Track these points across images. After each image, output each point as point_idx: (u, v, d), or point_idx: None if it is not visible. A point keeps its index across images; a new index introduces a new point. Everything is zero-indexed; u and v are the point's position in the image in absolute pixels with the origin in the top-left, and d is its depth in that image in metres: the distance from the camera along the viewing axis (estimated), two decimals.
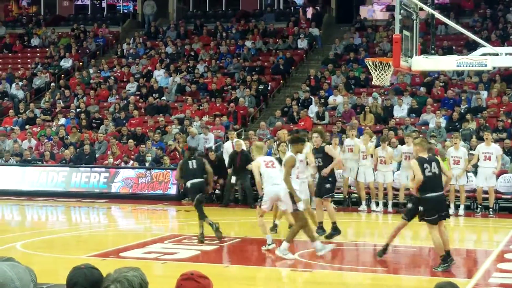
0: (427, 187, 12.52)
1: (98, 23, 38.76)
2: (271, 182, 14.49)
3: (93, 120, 29.43)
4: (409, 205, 13.47)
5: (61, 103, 31.44)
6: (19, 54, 37.95)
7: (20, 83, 33.59)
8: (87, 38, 37.35)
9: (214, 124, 27.46)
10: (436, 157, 13.17)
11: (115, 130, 28.15)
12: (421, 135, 21.27)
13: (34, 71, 34.86)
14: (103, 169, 25.56)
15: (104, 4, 42.88)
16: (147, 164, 25.36)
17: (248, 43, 33.96)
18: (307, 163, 16.23)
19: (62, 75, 34.18)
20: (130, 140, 26.68)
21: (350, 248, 16.15)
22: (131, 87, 32.06)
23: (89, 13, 42.17)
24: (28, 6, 43.57)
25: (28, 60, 36.79)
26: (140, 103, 30.70)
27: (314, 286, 11.94)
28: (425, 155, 12.64)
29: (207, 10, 40.18)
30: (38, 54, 37.19)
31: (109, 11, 42.40)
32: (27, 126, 29.50)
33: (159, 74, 32.48)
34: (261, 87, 30.62)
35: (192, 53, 34.20)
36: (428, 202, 12.56)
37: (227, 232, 17.96)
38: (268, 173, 14.55)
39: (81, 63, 35.58)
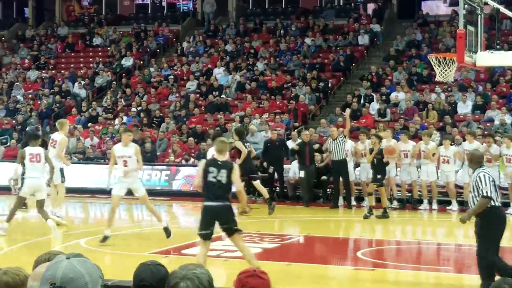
0: (205, 193, 10.98)
1: (159, 22, 39.00)
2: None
3: (154, 118, 29.60)
4: None
5: (123, 101, 31.72)
6: (81, 54, 38.36)
7: (83, 82, 33.96)
8: (147, 37, 37.60)
9: (275, 121, 27.40)
10: (233, 165, 11.17)
11: (176, 128, 28.26)
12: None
13: (96, 70, 35.22)
14: (164, 167, 25.67)
15: (164, 3, 43.07)
16: None
17: (308, 40, 33.80)
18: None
19: (123, 74, 34.47)
20: (191, 138, 26.76)
21: (412, 247, 15.95)
22: (191, 85, 32.17)
23: (149, 12, 42.43)
24: (89, 5, 44.01)
25: (90, 59, 37.17)
26: (200, 101, 30.78)
27: (377, 284, 11.81)
28: (221, 158, 11.03)
29: (267, 7, 40.09)
30: (99, 53, 37.57)
31: (169, 9, 42.60)
32: (89, 124, 29.78)
33: (219, 72, 32.53)
34: (321, 84, 30.46)
35: (252, 51, 34.16)
36: (202, 211, 11.10)
37: (288, 231, 17.90)
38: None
39: (142, 62, 35.82)
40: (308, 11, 37.49)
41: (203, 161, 11.07)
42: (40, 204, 16.27)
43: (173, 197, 24.29)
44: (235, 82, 31.53)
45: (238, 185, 11.23)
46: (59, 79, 34.61)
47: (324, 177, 22.85)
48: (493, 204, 10.25)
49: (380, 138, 19.82)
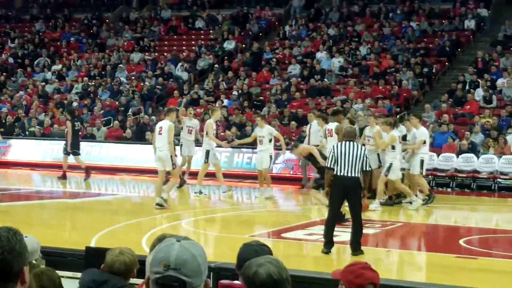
0: None
1: (261, 5, 38.89)
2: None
3: (255, 102, 29.56)
4: None
5: (224, 84, 31.80)
6: (184, 36, 38.61)
7: (185, 65, 34.19)
8: (250, 20, 37.57)
9: (377, 106, 27.01)
10: None
11: (277, 112, 28.18)
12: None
13: (198, 53, 35.39)
14: None
15: None
16: None
17: (413, 25, 33.19)
18: None
19: (225, 57, 34.52)
20: (292, 122, 26.63)
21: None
22: (293, 69, 32.01)
23: None
24: None
25: (193, 42, 37.37)
26: (302, 85, 30.61)
27: (479, 273, 11.45)
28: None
29: None
30: (202, 36, 37.74)
31: None
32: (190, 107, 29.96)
33: (321, 56, 32.27)
34: (425, 69, 29.87)
35: (355, 35, 33.77)
36: None
37: (393, 217, 17.60)
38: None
39: (243, 45, 35.81)
40: None
41: None
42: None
43: (273, 181, 24.16)
44: (337, 66, 31.22)
45: None
46: (162, 62, 34.95)
47: None
48: (334, 173, 12.17)
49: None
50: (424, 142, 18.60)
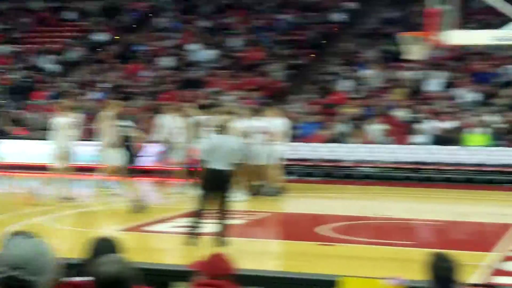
0: None
1: None
2: None
3: (125, 94, 29.34)
4: None
5: (94, 77, 31.43)
6: (53, 28, 37.77)
7: (54, 57, 33.56)
8: (122, 11, 37.21)
9: (248, 98, 27.28)
10: None
11: (148, 104, 28.09)
12: None
13: (68, 45, 34.80)
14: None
15: None
16: None
17: (285, 17, 33.61)
18: None
19: (96, 49, 34.10)
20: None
21: (375, 222, 15.92)
22: (165, 61, 31.94)
23: None
24: None
25: (62, 34, 36.65)
26: (174, 77, 30.59)
27: (339, 260, 11.76)
28: None
29: None
30: (72, 28, 37.08)
31: None
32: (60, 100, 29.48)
33: (193, 48, 32.31)
34: (295, 61, 30.33)
35: (228, 27, 33.93)
36: None
37: (258, 207, 17.81)
38: None
39: (115, 37, 35.43)
40: None
41: None
42: None
43: (144, 174, 24.00)
44: (210, 58, 31.35)
45: None
46: (30, 54, 34.21)
47: None
48: (205, 165, 12.31)
49: None
50: (282, 133, 18.98)
